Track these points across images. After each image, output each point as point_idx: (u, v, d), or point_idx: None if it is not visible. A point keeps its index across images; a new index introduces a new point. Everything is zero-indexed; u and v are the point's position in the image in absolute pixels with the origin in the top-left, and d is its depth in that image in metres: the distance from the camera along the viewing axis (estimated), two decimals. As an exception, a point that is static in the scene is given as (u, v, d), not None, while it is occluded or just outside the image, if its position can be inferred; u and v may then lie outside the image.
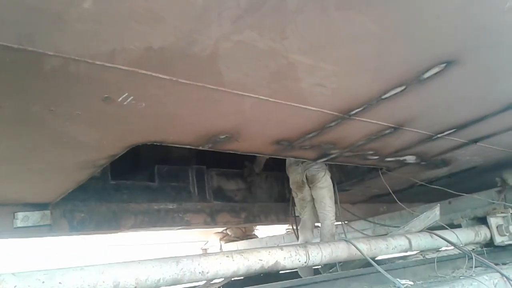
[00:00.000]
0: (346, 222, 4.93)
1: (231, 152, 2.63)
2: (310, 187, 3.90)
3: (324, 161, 3.19)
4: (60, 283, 1.72)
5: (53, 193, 2.78)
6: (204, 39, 1.46)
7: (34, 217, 2.83)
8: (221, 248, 6.19)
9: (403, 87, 2.08)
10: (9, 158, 2.14)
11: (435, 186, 4.04)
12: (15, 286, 1.61)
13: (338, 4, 1.43)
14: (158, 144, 2.28)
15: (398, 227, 3.60)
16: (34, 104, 1.68)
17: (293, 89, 1.94)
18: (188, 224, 3.73)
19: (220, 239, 6.35)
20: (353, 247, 2.74)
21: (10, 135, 1.92)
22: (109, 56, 1.44)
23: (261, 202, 4.40)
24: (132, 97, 1.74)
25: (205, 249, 6.54)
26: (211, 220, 3.91)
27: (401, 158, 3.40)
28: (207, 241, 6.65)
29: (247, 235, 6.33)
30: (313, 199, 3.90)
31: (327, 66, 1.78)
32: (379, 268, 2.61)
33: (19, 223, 2.76)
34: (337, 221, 4.80)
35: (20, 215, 2.77)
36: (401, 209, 4.68)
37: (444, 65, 1.94)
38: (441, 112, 2.56)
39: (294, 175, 3.98)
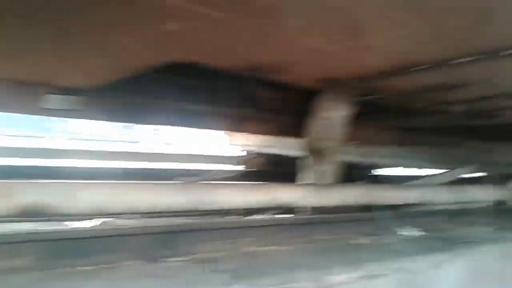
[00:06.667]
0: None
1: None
2: None
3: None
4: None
5: (90, 80, 2.68)
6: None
7: (67, 100, 2.78)
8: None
9: None
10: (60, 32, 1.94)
11: None
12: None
13: None
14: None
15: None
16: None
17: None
18: (219, 128, 3.71)
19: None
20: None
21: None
22: None
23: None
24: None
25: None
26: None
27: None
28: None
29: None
30: None
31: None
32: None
33: (51, 105, 2.73)
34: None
35: (53, 97, 2.72)
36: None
37: None
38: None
39: None
